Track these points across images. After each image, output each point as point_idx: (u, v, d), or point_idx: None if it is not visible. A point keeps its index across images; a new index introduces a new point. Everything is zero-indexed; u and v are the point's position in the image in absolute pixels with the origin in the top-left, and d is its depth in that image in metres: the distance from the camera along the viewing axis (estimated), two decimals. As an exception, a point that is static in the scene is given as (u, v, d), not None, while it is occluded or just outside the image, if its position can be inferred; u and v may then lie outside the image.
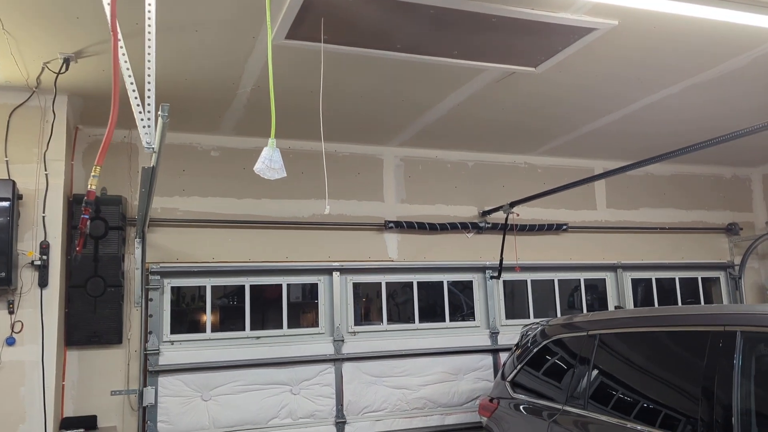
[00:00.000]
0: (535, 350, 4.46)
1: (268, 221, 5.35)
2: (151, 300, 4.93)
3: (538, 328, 4.66)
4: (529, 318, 5.91)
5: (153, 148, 2.67)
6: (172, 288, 5.04)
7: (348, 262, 5.48)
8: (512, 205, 5.51)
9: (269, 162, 2.54)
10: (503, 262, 5.65)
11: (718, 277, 6.71)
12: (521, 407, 4.28)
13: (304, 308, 5.46)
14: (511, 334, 5.76)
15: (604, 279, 6.20)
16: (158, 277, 4.96)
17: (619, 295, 6.17)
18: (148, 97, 2.67)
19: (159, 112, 2.51)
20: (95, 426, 4.64)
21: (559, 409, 3.85)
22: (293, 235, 5.45)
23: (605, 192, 6.44)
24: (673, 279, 6.41)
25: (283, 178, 2.55)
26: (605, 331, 3.76)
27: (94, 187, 2.65)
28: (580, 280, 6.13)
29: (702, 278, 6.62)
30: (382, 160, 5.78)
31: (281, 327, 5.25)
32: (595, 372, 3.72)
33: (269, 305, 5.34)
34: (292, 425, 5.06)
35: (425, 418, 5.39)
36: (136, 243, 4.88)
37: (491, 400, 4.84)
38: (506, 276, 5.80)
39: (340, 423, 5.15)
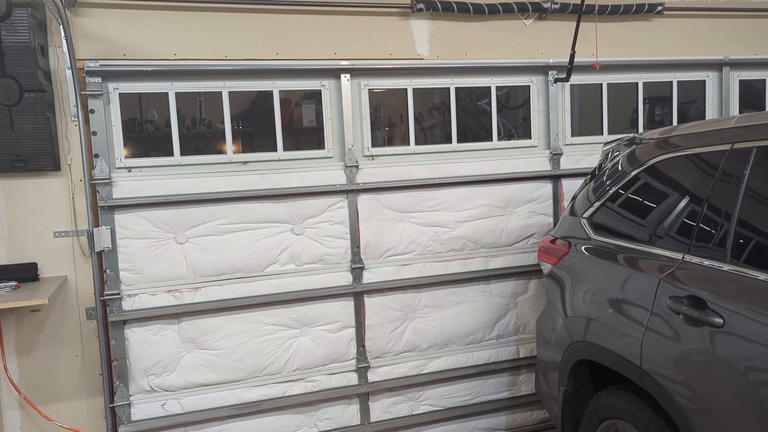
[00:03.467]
0: (630, 176, 3.11)
1: (248, 1, 3.81)
2: (92, 112, 3.58)
3: (632, 145, 3.29)
4: (602, 135, 4.50)
5: None
6: (121, 96, 3.66)
7: (361, 61, 3.99)
8: (593, -28, 3.86)
9: None
10: (574, 59, 4.11)
11: None
12: (610, 255, 3.04)
13: (305, 125, 4.10)
14: (577, 155, 4.41)
15: (704, 81, 4.66)
16: (98, 79, 3.57)
17: (723, 102, 4.66)
18: None
19: None
20: (36, 276, 3.56)
21: (677, 260, 2.59)
22: (285, 22, 3.92)
23: (717, -42, 4.67)
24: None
25: None
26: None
27: None
28: (672, 83, 4.60)
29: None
30: None
31: (275, 149, 3.93)
32: (744, 206, 2.39)
33: (258, 121, 3.99)
34: (297, 272, 3.94)
35: (464, 261, 4.23)
36: (62, 30, 3.43)
37: (554, 241, 3.63)
38: (575, 78, 4.28)
39: (357, 269, 4.02)
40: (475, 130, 4.34)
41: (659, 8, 4.47)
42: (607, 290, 2.95)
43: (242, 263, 3.85)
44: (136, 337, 3.72)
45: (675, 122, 4.61)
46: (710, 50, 4.67)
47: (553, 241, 3.64)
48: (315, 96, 4.02)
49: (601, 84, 4.47)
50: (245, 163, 3.86)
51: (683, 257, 2.55)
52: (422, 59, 4.16)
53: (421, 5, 4.03)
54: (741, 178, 2.39)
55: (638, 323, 2.65)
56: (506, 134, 4.37)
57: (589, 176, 3.54)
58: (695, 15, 4.64)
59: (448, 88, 4.18)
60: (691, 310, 2.37)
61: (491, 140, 4.29)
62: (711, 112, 4.68)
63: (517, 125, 4.45)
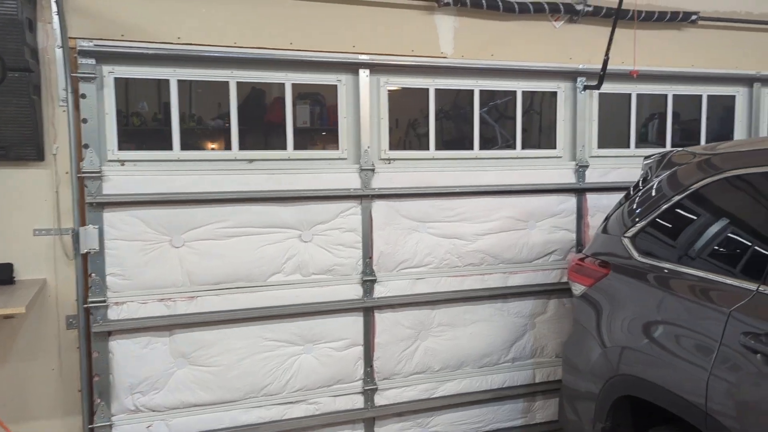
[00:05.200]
0: (689, 191, 2.83)
1: (262, -17, 3.48)
2: (83, 97, 3.20)
3: (686, 159, 3.03)
4: (628, 148, 4.25)
5: None
6: (117, 80, 3.28)
7: (381, 56, 3.68)
8: (634, -27, 3.61)
9: None
10: (607, 66, 3.84)
11: None
12: (661, 280, 2.75)
13: (318, 123, 3.76)
14: (603, 168, 4.16)
15: (734, 96, 4.44)
16: (92, 61, 3.19)
17: (752, 119, 4.45)
18: None
19: None
20: (11, 278, 3.15)
21: (750, 291, 2.31)
22: (302, 10, 3.59)
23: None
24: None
25: None
26: None
27: None
28: (701, 96, 4.37)
29: None
30: None
31: (285, 148, 3.58)
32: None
33: (267, 116, 3.64)
34: (302, 283, 3.60)
35: (482, 277, 3.93)
36: (54, 4, 3.05)
37: (584, 260, 3.35)
38: (603, 86, 4.00)
39: (369, 281, 3.69)
40: (471, 138, 3.97)
41: (694, 17, 4.24)
42: (659, 320, 2.66)
43: (243, 271, 3.49)
44: (121, 350, 3.33)
45: (703, 139, 4.38)
46: (741, 65, 4.46)
47: (582, 260, 3.36)
48: (310, 96, 3.68)
49: (630, 94, 4.21)
50: (251, 161, 3.51)
51: (758, 288, 2.27)
52: (446, 58, 3.86)
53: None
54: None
55: (702, 359, 2.37)
56: (503, 144, 4.04)
57: (630, 190, 3.27)
58: (727, 27, 4.42)
59: (472, 91, 3.88)
60: (777, 350, 2.09)
61: (515, 148, 4.00)
62: (740, 129, 4.46)
63: (514, 134, 4.09)
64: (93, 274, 3.25)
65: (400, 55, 3.74)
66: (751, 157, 2.61)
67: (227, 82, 3.45)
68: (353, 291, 3.68)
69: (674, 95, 4.29)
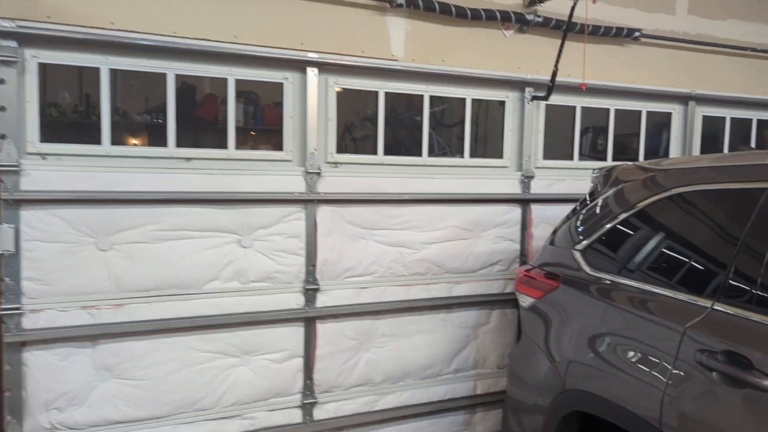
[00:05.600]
0: (641, 205, 2.83)
1: (206, -30, 3.27)
2: (2, 82, 2.88)
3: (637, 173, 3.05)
4: (572, 159, 4.28)
5: None
6: (41, 66, 2.98)
7: (331, 55, 3.53)
8: (584, -14, 3.62)
9: None
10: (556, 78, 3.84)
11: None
12: (614, 295, 2.74)
13: (260, 122, 3.58)
14: (548, 179, 4.15)
15: (670, 113, 4.56)
16: (14, 43, 2.88)
17: (686, 137, 4.59)
18: None
19: None
20: None
21: (705, 308, 2.31)
22: (248, 2, 3.40)
23: (689, -9, 4.62)
24: (750, 120, 4.83)
25: None
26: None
27: None
28: (641, 112, 4.46)
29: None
30: None
31: (225, 147, 3.38)
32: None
33: (207, 114, 3.43)
34: (241, 291, 3.39)
35: (427, 287, 3.84)
36: (-32, -23, 2.74)
37: (530, 271, 3.33)
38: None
39: (311, 290, 3.52)
40: (408, 144, 3.90)
41: (636, 34, 4.33)
42: (611, 335, 2.64)
43: (177, 278, 3.25)
44: (37, 362, 3.03)
45: (642, 154, 4.47)
46: (677, 83, 4.60)
47: (530, 271, 3.33)
48: (255, 94, 3.52)
49: (575, 107, 4.24)
50: (188, 159, 3.28)
51: (713, 305, 2.28)
52: (396, 60, 3.76)
53: (401, 0, 3.63)
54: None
55: (657, 377, 2.35)
56: (440, 151, 3.99)
57: (580, 203, 3.27)
58: (666, 45, 4.54)
59: (422, 96, 3.79)
60: (732, 369, 2.09)
61: (463, 156, 3.94)
62: (675, 146, 4.58)
63: (450, 143, 4.05)
64: (7, 279, 2.94)
65: (350, 55, 3.61)
66: (694, 175, 2.65)
67: (164, 74, 3.20)
68: (295, 300, 3.50)
69: (615, 110, 4.36)
